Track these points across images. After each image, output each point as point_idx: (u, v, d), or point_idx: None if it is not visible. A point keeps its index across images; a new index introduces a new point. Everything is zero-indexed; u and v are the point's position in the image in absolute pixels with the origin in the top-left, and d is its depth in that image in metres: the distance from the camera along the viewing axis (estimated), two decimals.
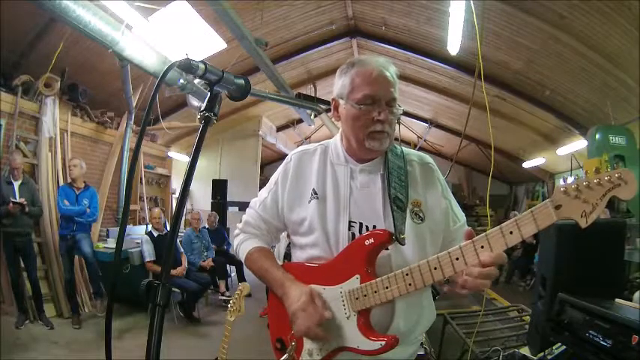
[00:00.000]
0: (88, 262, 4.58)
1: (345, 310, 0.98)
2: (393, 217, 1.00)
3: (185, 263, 4.89)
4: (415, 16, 6.17)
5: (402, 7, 6.03)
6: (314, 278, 1.03)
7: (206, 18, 4.28)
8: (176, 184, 8.49)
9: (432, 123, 10.45)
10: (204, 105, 0.85)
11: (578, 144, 7.39)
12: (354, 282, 0.98)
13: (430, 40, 6.54)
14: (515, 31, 5.57)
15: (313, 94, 7.84)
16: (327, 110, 7.63)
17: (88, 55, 5.01)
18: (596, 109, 6.43)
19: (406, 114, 10.44)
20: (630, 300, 1.92)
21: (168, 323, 4.28)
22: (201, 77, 0.83)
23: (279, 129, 10.82)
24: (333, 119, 1.19)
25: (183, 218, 5.98)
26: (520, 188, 12.50)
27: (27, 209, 3.90)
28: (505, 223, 0.86)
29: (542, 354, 1.88)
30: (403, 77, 8.51)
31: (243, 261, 1.17)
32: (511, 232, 0.85)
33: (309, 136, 11.80)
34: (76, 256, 4.55)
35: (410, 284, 0.92)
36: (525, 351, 2.15)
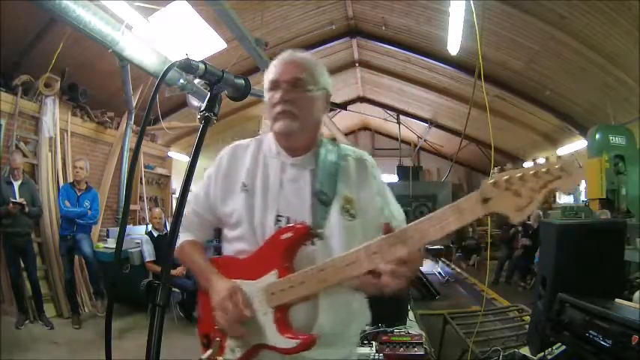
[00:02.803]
0: (88, 262, 4.58)
1: (262, 306, 0.96)
2: (314, 211, 0.99)
3: None
4: (415, 16, 6.18)
5: (402, 7, 6.04)
6: (236, 272, 1.02)
7: (206, 18, 4.29)
8: (176, 184, 8.49)
9: (432, 123, 10.45)
10: (204, 105, 0.86)
11: (578, 144, 7.39)
12: (271, 277, 0.96)
13: (430, 40, 6.54)
14: (515, 31, 5.57)
15: None
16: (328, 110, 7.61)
17: (88, 55, 5.01)
18: (596, 109, 6.43)
19: (406, 114, 10.44)
20: (630, 300, 1.92)
21: (168, 323, 4.28)
22: (201, 77, 0.83)
23: None
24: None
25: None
26: None
27: (27, 209, 3.90)
28: (424, 217, 0.81)
29: (542, 354, 1.88)
30: (403, 77, 8.52)
31: (176, 253, 1.16)
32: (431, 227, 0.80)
33: None
34: (76, 256, 4.55)
35: (324, 280, 0.89)
36: (525, 351, 2.15)
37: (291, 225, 0.99)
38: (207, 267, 1.06)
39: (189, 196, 1.19)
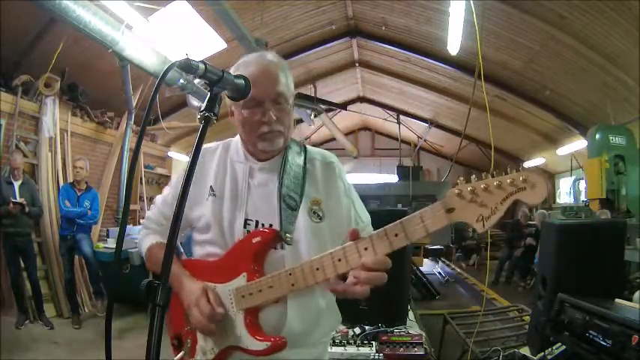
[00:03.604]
0: (88, 262, 4.59)
1: (233, 309, 0.98)
2: (281, 216, 1.01)
3: None
4: (415, 16, 6.18)
5: (402, 7, 6.04)
6: (206, 275, 1.03)
7: (206, 18, 4.29)
8: None
9: (432, 123, 10.45)
10: (204, 105, 0.85)
11: (578, 144, 7.39)
12: (240, 280, 0.98)
13: (430, 40, 6.54)
14: (515, 31, 5.57)
15: (313, 94, 7.85)
16: (328, 110, 7.62)
17: (88, 55, 5.01)
18: (596, 109, 6.43)
19: (406, 114, 10.45)
20: (630, 300, 1.92)
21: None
22: (201, 77, 0.83)
23: None
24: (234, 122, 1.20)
25: None
26: None
27: (27, 209, 3.90)
28: (390, 225, 0.83)
29: (542, 354, 1.88)
30: (403, 77, 8.52)
31: (143, 256, 1.16)
32: (396, 235, 0.82)
33: (309, 136, 11.80)
34: (76, 256, 4.56)
35: (293, 284, 0.92)
36: (525, 351, 2.15)
37: (260, 229, 1.01)
38: (179, 269, 1.05)
39: (158, 200, 1.20)
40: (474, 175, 0.77)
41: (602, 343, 1.46)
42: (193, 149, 0.82)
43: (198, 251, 1.11)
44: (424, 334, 2.07)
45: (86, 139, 5.88)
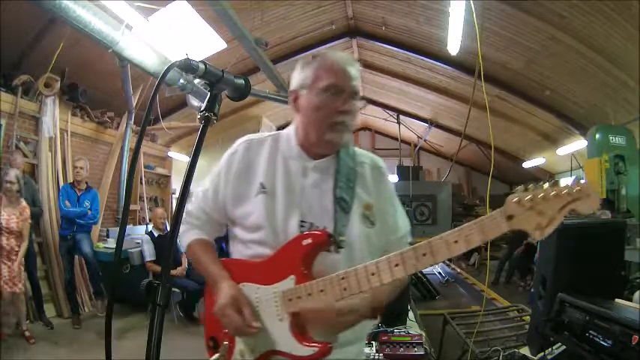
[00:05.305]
0: (88, 262, 4.59)
1: (277, 312, 0.95)
2: (336, 218, 0.98)
3: (185, 263, 4.88)
4: (415, 16, 6.17)
5: (402, 7, 6.03)
6: (250, 276, 0.99)
7: (206, 18, 4.28)
8: (176, 184, 8.49)
9: (432, 123, 10.43)
10: (204, 105, 0.86)
11: (578, 144, 7.39)
12: (288, 282, 0.94)
13: (430, 40, 6.54)
14: (515, 31, 5.57)
15: None
16: None
17: (88, 55, 5.00)
18: (596, 109, 6.43)
19: (406, 114, 10.44)
20: (630, 300, 1.92)
21: (168, 323, 4.28)
22: (201, 77, 0.83)
23: (279, 129, 10.67)
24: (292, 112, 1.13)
25: None
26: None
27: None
28: (449, 232, 0.83)
29: (542, 354, 1.88)
30: (403, 77, 8.52)
31: (184, 251, 1.13)
32: (456, 242, 0.82)
33: None
34: (76, 256, 4.56)
35: (345, 289, 0.89)
36: (525, 351, 2.15)
37: (311, 231, 0.97)
38: (219, 270, 1.02)
39: (198, 193, 1.13)
40: (531, 185, 0.79)
41: (602, 343, 1.46)
42: (193, 149, 0.83)
43: (244, 251, 1.05)
44: (424, 334, 2.07)
45: (86, 139, 5.88)
